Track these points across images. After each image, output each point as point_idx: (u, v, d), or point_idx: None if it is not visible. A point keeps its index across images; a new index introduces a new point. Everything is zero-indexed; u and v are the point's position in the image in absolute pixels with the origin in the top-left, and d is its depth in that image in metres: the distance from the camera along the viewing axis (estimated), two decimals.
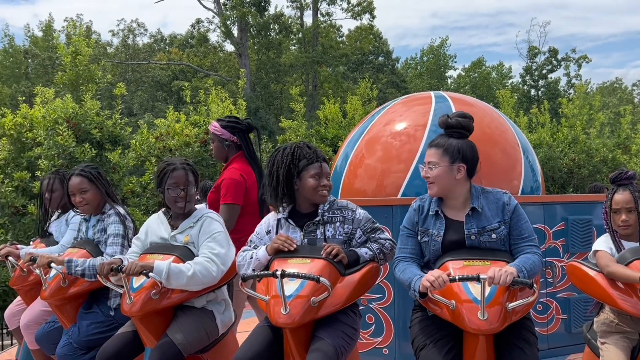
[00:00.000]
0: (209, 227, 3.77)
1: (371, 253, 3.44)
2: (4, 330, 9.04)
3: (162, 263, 3.53)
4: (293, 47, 36.16)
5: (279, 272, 3.09)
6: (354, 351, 3.56)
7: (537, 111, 16.62)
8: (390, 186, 5.45)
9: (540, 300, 5.22)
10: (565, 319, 5.36)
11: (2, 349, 8.32)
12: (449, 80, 44.55)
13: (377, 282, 3.81)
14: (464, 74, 45.19)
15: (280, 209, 3.59)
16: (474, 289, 2.98)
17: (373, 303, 5.04)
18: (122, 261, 3.68)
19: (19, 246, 4.99)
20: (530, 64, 41.14)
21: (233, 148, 4.68)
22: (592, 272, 3.46)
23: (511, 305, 2.96)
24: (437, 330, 3.19)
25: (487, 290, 2.94)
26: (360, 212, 3.54)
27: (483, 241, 3.25)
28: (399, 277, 3.31)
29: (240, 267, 3.54)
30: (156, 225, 3.94)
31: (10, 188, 8.99)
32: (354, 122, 13.49)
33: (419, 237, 3.38)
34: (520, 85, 41.24)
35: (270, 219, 3.65)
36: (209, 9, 33.09)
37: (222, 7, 31.73)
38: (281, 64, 33.61)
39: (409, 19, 75.00)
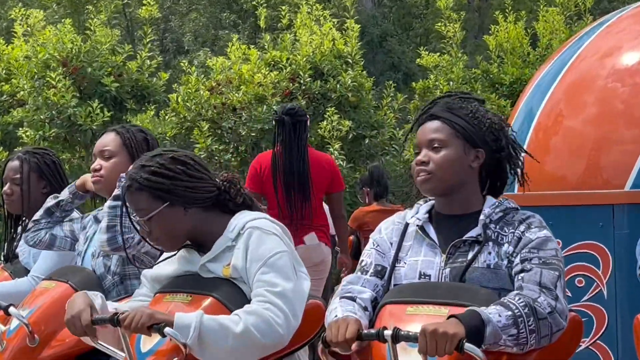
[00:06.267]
0: (259, 245, 2.37)
1: (509, 313, 1.83)
2: None
3: (189, 315, 2.26)
4: None
5: (388, 332, 1.92)
6: None
7: None
8: (610, 168, 3.74)
9: None
10: None
11: None
12: None
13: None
14: None
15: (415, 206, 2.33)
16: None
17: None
18: (116, 311, 2.43)
19: None
20: None
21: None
22: None
23: None
24: None
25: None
26: (542, 233, 2.05)
27: None
28: None
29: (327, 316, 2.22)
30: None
31: None
32: (549, 53, 8.95)
33: None
34: None
35: (395, 220, 2.38)
36: None
37: None
38: None
39: None
